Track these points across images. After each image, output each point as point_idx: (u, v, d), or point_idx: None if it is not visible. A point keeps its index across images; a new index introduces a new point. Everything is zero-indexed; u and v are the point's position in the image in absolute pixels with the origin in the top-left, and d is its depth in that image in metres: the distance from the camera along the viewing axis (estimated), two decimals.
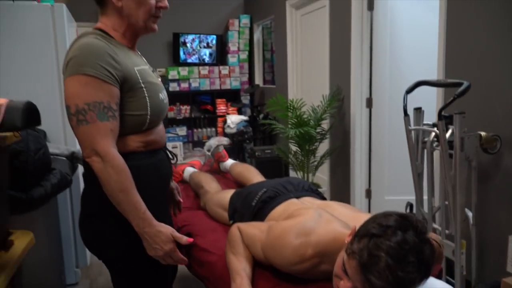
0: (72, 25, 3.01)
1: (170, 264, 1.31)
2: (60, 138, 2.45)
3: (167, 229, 1.26)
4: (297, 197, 1.72)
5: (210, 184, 2.17)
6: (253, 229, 1.48)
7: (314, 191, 1.86)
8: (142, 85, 1.27)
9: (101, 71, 1.17)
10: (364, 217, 1.43)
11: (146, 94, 1.28)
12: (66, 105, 1.19)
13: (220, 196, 1.99)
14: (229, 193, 1.97)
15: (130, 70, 1.25)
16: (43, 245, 2.35)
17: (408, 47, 3.52)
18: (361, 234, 1.06)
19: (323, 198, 1.87)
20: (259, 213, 1.69)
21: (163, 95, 1.37)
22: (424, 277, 1.01)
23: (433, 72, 2.75)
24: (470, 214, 2.21)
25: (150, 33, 1.35)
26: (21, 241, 1.54)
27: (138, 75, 1.27)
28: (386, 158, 3.62)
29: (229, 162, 2.55)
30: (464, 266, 2.12)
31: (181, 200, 1.70)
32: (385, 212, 1.08)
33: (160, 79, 1.45)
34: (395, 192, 3.55)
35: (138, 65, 1.31)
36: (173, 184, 1.67)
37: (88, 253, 2.89)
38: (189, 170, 2.51)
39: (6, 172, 1.49)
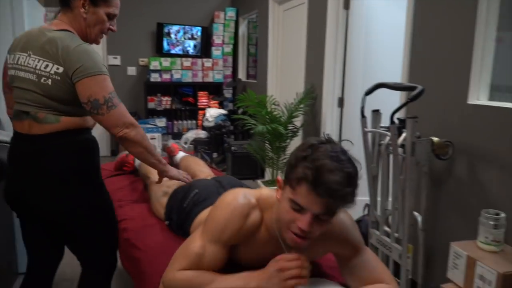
0: (39, 9, 2.98)
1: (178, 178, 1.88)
2: None
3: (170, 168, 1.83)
4: None
5: (156, 174, 2.14)
6: (186, 250, 1.26)
7: None
8: None
9: (105, 69, 1.50)
10: None
11: None
12: (93, 99, 1.45)
13: (163, 191, 1.96)
14: (172, 188, 1.95)
15: None
16: None
17: (382, 48, 3.49)
18: (293, 164, 1.11)
19: None
20: (189, 214, 1.68)
21: None
22: (358, 172, 1.11)
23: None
24: (419, 218, 2.21)
25: (92, 43, 1.64)
26: None
27: None
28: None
29: (179, 155, 2.50)
30: (410, 269, 2.12)
31: None
32: (299, 145, 1.17)
33: None
34: (360, 193, 3.53)
35: None
36: None
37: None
38: None
39: None
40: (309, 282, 1.25)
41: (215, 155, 5.67)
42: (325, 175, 1.04)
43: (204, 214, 1.58)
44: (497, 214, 1.82)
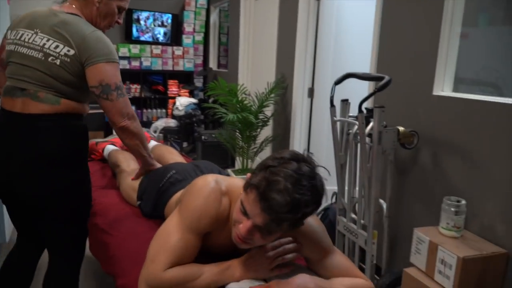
0: None
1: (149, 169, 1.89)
2: None
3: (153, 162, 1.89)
4: None
5: (127, 162, 2.11)
6: (166, 245, 1.21)
7: None
8: None
9: (118, 57, 1.55)
10: None
11: None
12: (105, 83, 1.49)
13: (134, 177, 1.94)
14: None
15: None
16: None
17: (352, 40, 3.54)
18: (258, 169, 1.11)
19: None
20: (164, 194, 1.67)
21: None
22: (316, 203, 1.09)
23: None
24: (384, 206, 2.28)
25: None
26: None
27: None
28: (324, 150, 3.66)
29: (151, 144, 2.47)
30: (374, 255, 2.19)
31: None
32: (279, 151, 1.15)
33: None
34: (329, 183, 3.59)
35: None
36: None
37: (7, 229, 2.78)
38: (109, 148, 2.43)
39: None
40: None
41: (185, 144, 5.63)
42: (272, 192, 1.03)
43: (180, 194, 1.57)
44: (458, 201, 1.90)
